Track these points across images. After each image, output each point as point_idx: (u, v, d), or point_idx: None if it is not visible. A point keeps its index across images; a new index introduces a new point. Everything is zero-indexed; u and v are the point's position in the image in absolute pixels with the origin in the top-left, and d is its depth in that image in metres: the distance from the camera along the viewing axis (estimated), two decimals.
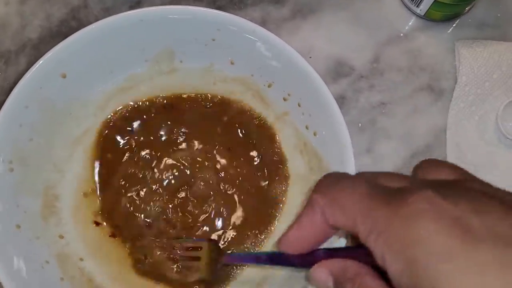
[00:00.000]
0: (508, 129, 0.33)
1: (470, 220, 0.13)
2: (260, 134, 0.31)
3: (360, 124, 0.34)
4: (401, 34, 0.36)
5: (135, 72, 0.31)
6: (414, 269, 0.13)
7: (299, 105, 0.29)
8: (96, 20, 0.32)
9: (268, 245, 0.30)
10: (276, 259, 0.21)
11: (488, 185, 0.16)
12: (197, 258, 0.27)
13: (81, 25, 0.37)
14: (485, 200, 0.14)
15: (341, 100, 0.35)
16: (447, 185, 0.15)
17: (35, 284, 0.26)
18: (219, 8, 0.36)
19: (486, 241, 0.13)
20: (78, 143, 0.31)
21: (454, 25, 0.36)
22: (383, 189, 0.15)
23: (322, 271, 0.18)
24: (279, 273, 0.28)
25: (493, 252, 0.12)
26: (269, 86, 0.30)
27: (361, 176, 0.17)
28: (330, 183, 0.17)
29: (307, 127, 0.29)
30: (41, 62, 0.27)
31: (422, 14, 0.35)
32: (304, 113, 0.29)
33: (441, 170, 0.17)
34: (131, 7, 0.37)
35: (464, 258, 0.12)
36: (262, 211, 0.30)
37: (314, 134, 0.29)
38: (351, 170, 0.26)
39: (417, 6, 0.35)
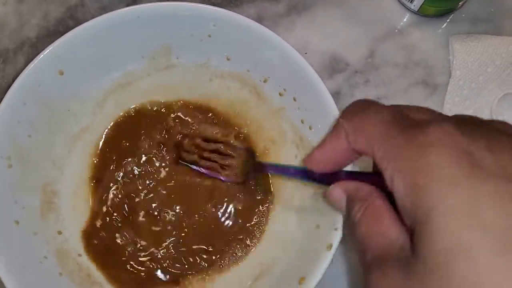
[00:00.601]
0: None
1: (483, 157, 0.13)
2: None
3: None
4: (396, 30, 0.36)
5: (132, 68, 0.31)
6: (417, 194, 0.14)
7: (294, 100, 0.30)
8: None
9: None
10: (302, 173, 0.22)
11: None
12: (232, 158, 0.28)
13: (78, 24, 0.36)
14: (501, 139, 0.14)
15: (336, 95, 0.35)
16: (470, 120, 0.16)
17: (34, 279, 0.26)
18: (215, 5, 0.36)
19: (493, 176, 0.13)
20: (76, 140, 0.31)
21: (448, 20, 0.36)
22: (407, 119, 0.16)
23: (337, 190, 0.19)
24: (277, 267, 0.29)
25: (497, 187, 0.13)
26: (265, 81, 0.31)
27: (390, 106, 0.17)
28: (358, 109, 0.18)
29: (302, 121, 0.30)
30: (38, 59, 0.27)
31: (416, 9, 0.35)
32: (300, 108, 0.29)
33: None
34: (128, 5, 0.36)
35: (466, 190, 0.13)
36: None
37: (310, 128, 0.29)
38: None
39: (410, 2, 0.35)
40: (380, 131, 0.16)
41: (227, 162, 0.28)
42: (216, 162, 0.29)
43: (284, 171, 0.25)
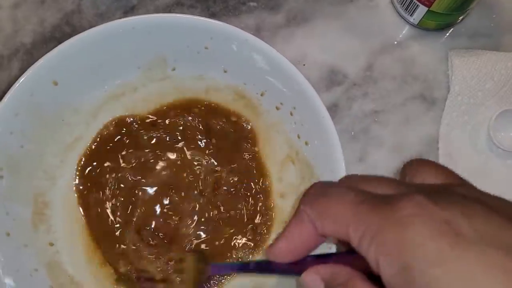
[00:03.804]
0: (500, 139, 0.33)
1: (460, 224, 0.13)
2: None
3: (353, 133, 0.34)
4: (395, 43, 0.36)
5: (127, 79, 0.31)
6: (408, 273, 0.13)
7: (291, 114, 0.29)
8: (90, 25, 0.32)
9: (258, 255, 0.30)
10: (264, 267, 0.21)
11: (473, 189, 0.16)
12: (181, 271, 0.26)
13: (75, 30, 0.37)
14: (470, 204, 0.14)
15: (334, 108, 0.35)
16: (436, 189, 0.16)
17: None
18: (213, 15, 0.36)
19: (473, 244, 0.13)
20: (69, 150, 0.31)
21: (447, 34, 0.36)
22: (372, 196, 0.16)
23: (312, 277, 0.18)
24: (271, 280, 0.28)
25: (480, 255, 0.13)
26: (262, 94, 0.30)
27: (348, 183, 0.17)
28: (318, 193, 0.17)
29: (299, 136, 0.29)
30: (32, 69, 0.27)
31: (416, 23, 0.35)
32: (296, 122, 0.29)
33: (430, 171, 0.17)
34: (125, 13, 0.36)
35: (454, 263, 0.13)
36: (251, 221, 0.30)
37: (306, 144, 0.29)
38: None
39: (410, 15, 0.35)
40: (351, 212, 0.15)
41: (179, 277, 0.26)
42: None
43: (242, 267, 0.22)
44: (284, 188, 0.31)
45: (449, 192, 0.15)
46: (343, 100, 0.35)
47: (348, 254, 0.18)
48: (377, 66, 0.36)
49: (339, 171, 0.26)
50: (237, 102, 0.31)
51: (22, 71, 0.27)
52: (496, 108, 0.33)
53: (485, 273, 0.12)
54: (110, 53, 0.29)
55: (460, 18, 0.35)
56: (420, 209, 0.14)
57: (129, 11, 0.37)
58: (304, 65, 0.35)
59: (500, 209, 0.14)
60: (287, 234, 0.18)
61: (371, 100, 0.35)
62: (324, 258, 0.18)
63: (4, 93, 0.27)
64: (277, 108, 0.30)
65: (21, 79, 0.27)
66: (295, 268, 0.18)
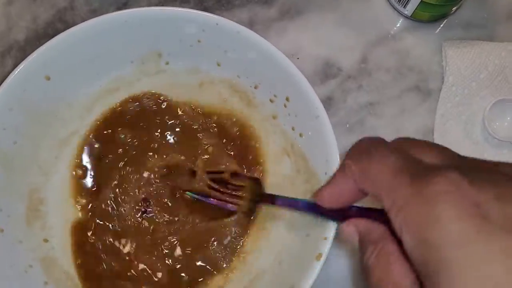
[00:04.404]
0: (495, 129, 0.33)
1: (492, 208, 0.13)
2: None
3: (348, 125, 0.34)
4: (389, 35, 0.36)
5: (121, 73, 0.31)
6: (426, 248, 0.13)
7: (285, 106, 0.29)
8: (83, 22, 0.31)
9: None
10: (312, 208, 0.22)
11: None
12: (241, 189, 0.28)
13: (68, 27, 0.36)
14: (510, 186, 0.14)
15: (329, 101, 0.35)
16: (480, 166, 0.16)
17: None
18: (206, 9, 0.36)
19: (502, 230, 0.13)
20: (64, 145, 0.31)
21: (441, 26, 0.36)
22: (413, 164, 0.16)
23: (350, 228, 0.19)
24: (266, 277, 0.28)
25: (506, 242, 0.12)
26: (256, 87, 0.30)
27: (395, 146, 0.17)
28: (363, 150, 0.17)
29: (293, 129, 0.29)
30: (24, 65, 0.27)
31: (409, 14, 0.35)
32: (290, 114, 0.29)
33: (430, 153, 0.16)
34: (118, 9, 0.36)
35: (476, 247, 0.12)
36: None
37: (300, 136, 0.29)
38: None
39: (404, 7, 0.35)
40: (388, 179, 0.15)
41: (238, 193, 0.27)
42: (226, 193, 0.28)
43: (294, 204, 0.24)
44: (280, 181, 0.31)
45: (492, 171, 0.15)
46: (338, 93, 0.35)
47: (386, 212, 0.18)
48: (371, 58, 0.36)
49: (333, 163, 0.26)
50: (231, 95, 0.31)
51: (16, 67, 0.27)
52: (491, 98, 0.33)
53: (503, 262, 0.12)
54: (102, 47, 0.29)
55: (454, 9, 0.35)
56: (452, 187, 0.14)
57: (122, 7, 0.36)
58: (298, 58, 0.35)
59: None
60: (331, 182, 0.19)
61: (366, 92, 0.35)
62: (367, 212, 0.19)
63: None
64: (271, 101, 0.30)
65: (13, 74, 0.27)
66: (338, 215, 0.20)
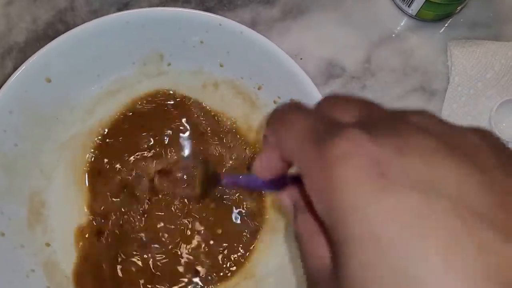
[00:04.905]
0: (502, 130, 0.32)
1: (391, 164, 0.12)
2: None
3: None
4: (393, 35, 0.36)
5: (122, 75, 0.30)
6: (329, 213, 0.13)
7: None
8: (83, 22, 0.31)
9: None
10: (252, 180, 0.22)
11: (435, 119, 0.14)
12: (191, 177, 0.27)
13: (68, 28, 0.36)
14: (415, 138, 0.12)
15: None
16: (385, 118, 0.14)
17: None
18: (208, 9, 0.36)
19: (398, 187, 0.12)
20: (65, 148, 0.30)
21: (446, 25, 0.36)
22: (322, 126, 0.14)
23: (284, 197, 0.18)
24: (272, 279, 0.28)
25: (400, 200, 0.11)
26: (259, 88, 0.30)
27: (315, 107, 0.16)
28: (278, 118, 0.16)
29: None
30: (24, 67, 0.27)
31: (414, 14, 0.35)
32: None
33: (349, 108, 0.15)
34: (119, 9, 0.36)
35: (370, 209, 0.12)
36: None
37: None
38: None
39: (408, 6, 0.35)
40: (297, 143, 0.15)
41: (183, 176, 0.27)
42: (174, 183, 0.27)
43: (237, 180, 0.24)
44: None
45: (398, 121, 0.14)
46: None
47: None
48: (375, 58, 0.35)
49: None
50: (234, 96, 0.31)
51: (16, 69, 0.27)
52: (497, 98, 0.33)
53: (395, 219, 0.11)
54: (103, 49, 0.28)
55: (459, 8, 0.35)
56: (351, 147, 0.12)
57: (123, 7, 0.36)
58: (301, 59, 0.35)
59: (461, 147, 0.12)
60: (259, 155, 0.18)
61: (370, 93, 0.35)
62: (299, 179, 0.18)
63: None
64: (275, 102, 0.30)
65: (14, 76, 0.26)
66: (276, 185, 0.19)
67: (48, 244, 0.28)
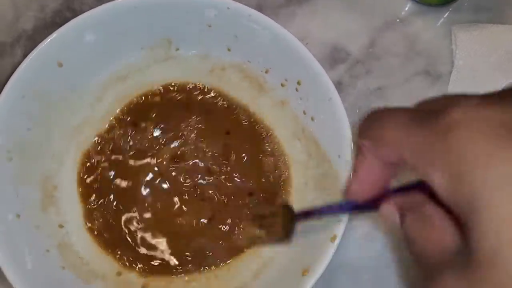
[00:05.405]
0: None
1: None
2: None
3: (357, 110, 0.34)
4: (397, 19, 0.36)
5: (131, 60, 0.31)
6: (456, 182, 0.12)
7: (296, 90, 0.29)
8: (91, 9, 0.31)
9: None
10: (348, 207, 0.21)
11: None
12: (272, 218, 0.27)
13: (76, 15, 0.36)
14: None
15: (338, 86, 0.35)
16: (494, 94, 0.14)
17: (37, 273, 0.26)
18: None
19: None
20: (76, 133, 0.31)
21: (450, 9, 0.36)
22: (421, 113, 0.14)
23: (388, 208, 0.18)
24: (278, 260, 0.28)
25: None
26: (267, 72, 0.30)
27: (402, 107, 0.16)
28: (371, 121, 0.16)
29: (304, 112, 0.29)
30: (36, 51, 0.27)
31: None
32: (302, 98, 0.29)
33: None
34: None
35: (504, 164, 0.11)
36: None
37: (312, 119, 0.29)
38: (349, 155, 0.26)
39: None
40: (401, 133, 0.14)
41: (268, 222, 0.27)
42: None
43: (329, 210, 0.23)
44: (292, 166, 0.31)
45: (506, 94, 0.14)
46: (347, 78, 0.35)
47: (421, 182, 0.17)
48: (380, 43, 0.35)
49: (347, 144, 0.26)
50: (242, 80, 0.31)
51: (26, 57, 0.27)
52: (502, 81, 0.33)
53: None
54: (112, 34, 0.29)
55: None
56: (468, 110, 0.13)
57: None
58: (306, 43, 0.35)
59: None
60: (355, 173, 0.17)
61: (375, 77, 0.35)
62: (401, 190, 0.18)
63: (8, 80, 0.27)
64: (282, 85, 0.30)
65: (26, 60, 0.27)
66: (375, 203, 0.18)
67: (61, 226, 0.29)
